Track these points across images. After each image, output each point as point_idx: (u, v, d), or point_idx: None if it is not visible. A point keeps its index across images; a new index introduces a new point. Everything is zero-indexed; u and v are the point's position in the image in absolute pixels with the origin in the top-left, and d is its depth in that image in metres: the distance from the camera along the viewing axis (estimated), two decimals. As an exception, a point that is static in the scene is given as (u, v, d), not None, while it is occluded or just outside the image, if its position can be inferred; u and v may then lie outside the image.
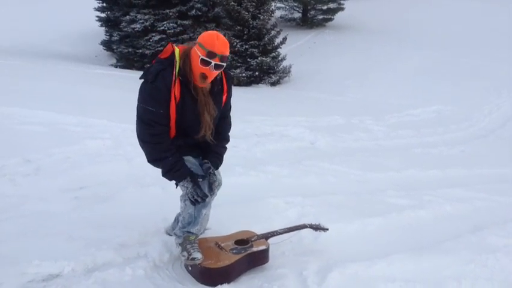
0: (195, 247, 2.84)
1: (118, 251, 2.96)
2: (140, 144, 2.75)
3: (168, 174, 2.72)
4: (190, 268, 2.86)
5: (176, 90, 2.63)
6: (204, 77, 2.61)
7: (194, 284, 2.79)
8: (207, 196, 2.73)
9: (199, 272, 2.80)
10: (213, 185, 2.82)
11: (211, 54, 2.54)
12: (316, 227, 3.23)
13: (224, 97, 2.86)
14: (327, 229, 3.23)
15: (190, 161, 2.80)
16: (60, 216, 3.43)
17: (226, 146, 3.04)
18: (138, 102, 2.67)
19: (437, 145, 7.24)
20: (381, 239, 3.57)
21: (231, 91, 2.94)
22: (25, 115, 5.75)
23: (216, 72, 2.64)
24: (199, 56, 2.55)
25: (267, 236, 3.07)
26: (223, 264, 2.78)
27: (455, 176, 5.61)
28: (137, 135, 2.72)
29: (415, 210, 4.15)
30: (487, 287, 2.99)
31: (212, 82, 2.73)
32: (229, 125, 3.04)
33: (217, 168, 2.94)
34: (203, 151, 2.91)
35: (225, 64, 2.63)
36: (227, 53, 2.61)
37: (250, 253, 2.90)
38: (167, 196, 3.79)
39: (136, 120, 2.69)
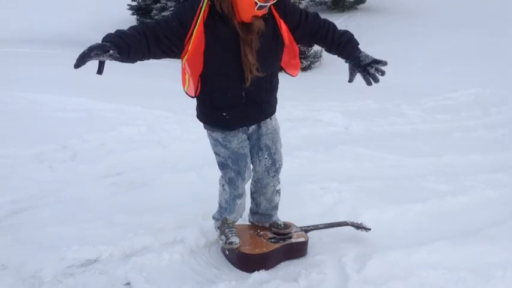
0: (233, 231, 2.80)
1: (155, 236, 2.98)
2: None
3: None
4: (227, 252, 2.85)
5: (199, 30, 2.18)
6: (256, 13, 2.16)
7: (231, 269, 2.77)
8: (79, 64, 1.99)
9: (237, 257, 2.78)
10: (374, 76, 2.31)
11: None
12: (358, 226, 3.13)
13: (281, 27, 2.34)
14: (369, 229, 3.12)
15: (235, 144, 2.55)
16: (97, 202, 3.47)
17: (334, 26, 2.48)
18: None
19: (477, 129, 6.98)
20: (421, 225, 3.46)
21: (290, 5, 2.37)
22: (60, 102, 5.86)
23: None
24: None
25: (306, 229, 3.02)
26: (260, 252, 2.76)
27: (497, 161, 5.39)
28: None
29: (456, 196, 4.01)
30: (534, 276, 2.86)
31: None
32: (317, 16, 2.45)
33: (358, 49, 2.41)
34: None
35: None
36: None
37: (288, 244, 2.87)
38: (202, 182, 3.80)
39: None
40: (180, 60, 2.32)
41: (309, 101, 7.83)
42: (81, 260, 2.72)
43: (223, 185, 2.77)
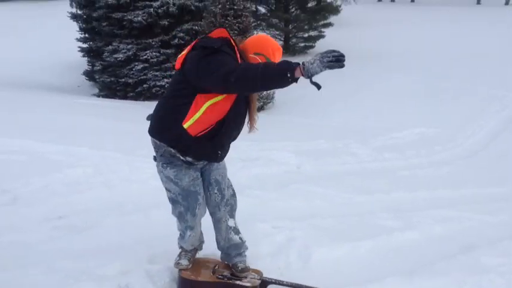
0: (187, 255, 2.93)
1: (98, 282, 2.81)
2: (234, 84, 2.24)
3: (281, 72, 2.16)
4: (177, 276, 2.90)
5: None
6: None
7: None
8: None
9: (178, 281, 2.87)
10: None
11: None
12: None
13: None
14: None
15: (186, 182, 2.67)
16: (38, 247, 3.27)
17: None
18: (209, 61, 2.32)
19: (423, 167, 7.22)
20: (371, 262, 3.47)
21: None
22: (4, 144, 5.60)
23: None
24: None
25: (267, 281, 2.93)
26: (195, 278, 2.81)
27: (443, 197, 5.56)
28: (222, 79, 2.26)
29: (405, 232, 4.07)
30: (483, 309, 2.90)
31: None
32: None
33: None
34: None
35: None
36: None
37: (230, 284, 2.85)
38: (149, 224, 3.68)
39: (213, 74, 2.28)
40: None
41: (261, 141, 7.85)
42: (17, 310, 2.53)
43: (177, 217, 2.85)
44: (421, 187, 5.82)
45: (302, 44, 21.25)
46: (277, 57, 2.58)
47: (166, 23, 14.99)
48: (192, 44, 2.54)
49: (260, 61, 2.47)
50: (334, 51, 2.12)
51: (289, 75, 2.13)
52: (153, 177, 4.92)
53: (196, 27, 15.25)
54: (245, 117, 2.69)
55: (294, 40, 21.52)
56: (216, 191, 2.82)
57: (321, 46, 20.64)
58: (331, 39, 20.64)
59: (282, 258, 3.21)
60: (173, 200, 2.75)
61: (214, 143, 2.59)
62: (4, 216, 3.78)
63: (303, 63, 2.13)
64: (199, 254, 3.15)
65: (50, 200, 4.13)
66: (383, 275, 3.14)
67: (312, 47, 21.03)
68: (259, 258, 3.23)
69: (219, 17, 13.67)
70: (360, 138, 9.08)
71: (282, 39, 21.64)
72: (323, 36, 20.72)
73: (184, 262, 2.87)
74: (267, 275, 3.01)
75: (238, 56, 2.48)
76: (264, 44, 2.58)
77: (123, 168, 5.11)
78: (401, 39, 21.03)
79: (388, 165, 7.17)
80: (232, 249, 2.96)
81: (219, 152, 2.68)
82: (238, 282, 2.86)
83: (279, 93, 14.23)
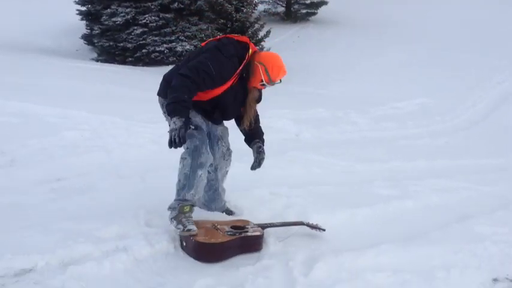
0: (190, 220, 2.89)
1: (96, 243, 2.81)
2: (172, 85, 2.82)
3: (174, 104, 2.71)
4: (185, 244, 2.88)
5: (229, 83, 2.93)
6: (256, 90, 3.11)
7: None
8: (184, 142, 2.69)
9: (193, 247, 2.82)
10: (261, 162, 3.29)
11: (272, 83, 3.00)
12: (313, 226, 3.20)
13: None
14: (324, 230, 3.20)
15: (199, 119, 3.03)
16: (35, 208, 3.27)
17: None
18: (204, 57, 2.89)
19: (422, 137, 7.22)
20: (368, 229, 3.50)
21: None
22: (0, 106, 5.56)
23: None
24: (262, 78, 2.96)
25: (263, 226, 3.08)
26: (216, 241, 2.82)
27: (441, 167, 5.58)
28: (180, 72, 2.84)
29: (402, 200, 4.10)
30: (476, 276, 2.93)
31: None
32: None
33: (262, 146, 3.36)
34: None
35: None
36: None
37: (244, 237, 2.93)
38: (147, 187, 3.69)
39: (191, 64, 2.87)
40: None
41: (260, 109, 7.79)
42: (15, 269, 2.53)
43: (184, 158, 2.94)
44: (420, 157, 5.83)
45: (304, 11, 20.96)
46: (275, 74, 2.96)
47: (166, -14, 14.71)
48: (221, 36, 3.11)
49: (260, 70, 2.95)
50: (179, 133, 2.63)
51: (166, 105, 2.79)
52: (151, 141, 4.94)
53: (197, -10, 14.98)
54: (239, 107, 3.17)
55: (296, 6, 21.20)
56: (223, 144, 3.27)
57: (323, 14, 20.33)
58: (334, 6, 20.31)
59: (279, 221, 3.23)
60: (189, 135, 2.88)
61: (211, 110, 3.09)
62: (1, 178, 3.78)
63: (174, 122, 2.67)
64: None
65: (48, 162, 4.13)
66: (379, 241, 3.16)
67: (314, 13, 20.71)
68: (256, 222, 3.24)
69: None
70: (360, 107, 9.06)
71: (284, 5, 21.30)
72: (326, 3, 20.36)
73: (193, 227, 2.85)
74: (266, 238, 3.07)
75: (247, 58, 2.97)
76: (269, 58, 3.00)
77: (121, 132, 5.10)
78: (406, 10, 20.72)
79: (388, 135, 7.18)
80: (223, 194, 3.42)
81: (213, 115, 3.12)
82: (249, 233, 2.96)
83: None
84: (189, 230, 2.82)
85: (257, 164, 3.29)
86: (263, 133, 3.42)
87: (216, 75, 2.86)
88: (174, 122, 2.65)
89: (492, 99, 10.53)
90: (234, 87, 3.00)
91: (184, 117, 2.69)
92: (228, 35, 3.08)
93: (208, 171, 3.08)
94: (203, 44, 3.13)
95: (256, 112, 3.32)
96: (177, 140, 2.62)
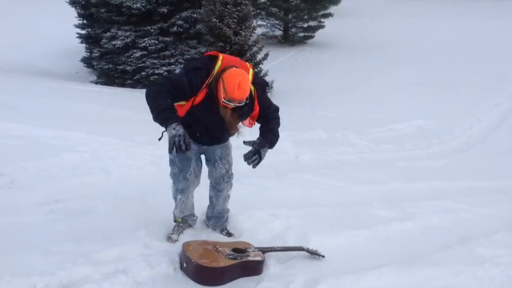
0: (179, 230, 3.32)
1: (95, 266, 2.80)
2: (146, 93, 2.81)
3: (161, 113, 2.70)
4: (185, 265, 2.87)
5: (200, 95, 2.88)
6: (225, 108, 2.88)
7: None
8: (190, 147, 2.68)
9: (194, 269, 2.81)
10: (251, 165, 3.01)
11: (230, 101, 2.78)
12: (313, 252, 3.20)
13: (255, 108, 3.02)
14: (323, 256, 3.20)
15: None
16: (35, 230, 3.26)
17: (278, 120, 3.17)
18: (174, 73, 3.05)
19: (420, 158, 7.24)
20: (368, 251, 3.48)
21: (264, 96, 3.07)
22: (0, 128, 5.57)
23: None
24: (222, 95, 2.79)
25: (263, 250, 3.07)
26: (217, 265, 2.81)
27: (440, 189, 5.59)
28: (152, 82, 3.05)
29: (402, 222, 4.09)
30: (477, 299, 2.92)
31: None
32: (275, 110, 3.16)
33: (272, 145, 3.10)
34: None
35: (243, 103, 2.84)
36: (245, 98, 2.81)
37: (245, 261, 2.91)
38: (147, 209, 3.67)
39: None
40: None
41: (259, 130, 7.86)
42: (14, 291, 2.52)
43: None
44: (419, 178, 5.84)
45: (301, 34, 21.19)
46: (230, 91, 2.75)
47: (165, 10, 14.87)
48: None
49: (220, 86, 2.79)
50: (184, 139, 2.63)
51: (153, 115, 2.72)
52: (150, 163, 4.94)
53: (196, 15, 15.13)
54: (220, 122, 3.00)
55: (293, 30, 21.44)
56: (221, 166, 3.25)
57: (320, 37, 20.57)
58: (331, 29, 20.56)
59: (279, 245, 3.21)
60: (171, 161, 3.16)
61: (192, 127, 2.99)
62: (1, 199, 3.77)
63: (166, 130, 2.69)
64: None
65: (47, 184, 4.12)
66: (379, 263, 3.15)
67: (311, 37, 20.95)
68: (257, 245, 3.22)
69: (218, 5, 13.59)
70: (358, 129, 9.10)
71: (281, 28, 21.55)
72: (322, 27, 20.61)
73: (175, 236, 3.23)
74: (266, 260, 3.06)
75: (208, 82, 2.86)
76: (230, 75, 2.79)
77: (120, 153, 5.09)
78: (401, 32, 21.01)
79: (386, 157, 7.19)
80: (224, 212, 3.48)
81: (198, 135, 3.09)
82: (250, 258, 2.94)
83: (277, 84, 14.23)
84: (169, 238, 3.23)
85: (246, 158, 3.00)
86: (275, 135, 3.13)
87: (187, 84, 2.84)
88: (173, 129, 2.65)
89: (490, 121, 10.60)
90: (206, 101, 2.90)
91: (178, 120, 2.70)
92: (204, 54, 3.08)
93: (209, 187, 3.40)
94: None
95: (270, 107, 3.11)
96: (182, 147, 2.62)
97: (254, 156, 2.98)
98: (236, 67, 2.86)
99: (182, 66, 3.06)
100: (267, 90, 3.23)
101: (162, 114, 2.69)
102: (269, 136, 3.08)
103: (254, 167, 3.01)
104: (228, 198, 3.46)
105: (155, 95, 2.76)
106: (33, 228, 3.29)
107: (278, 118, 3.18)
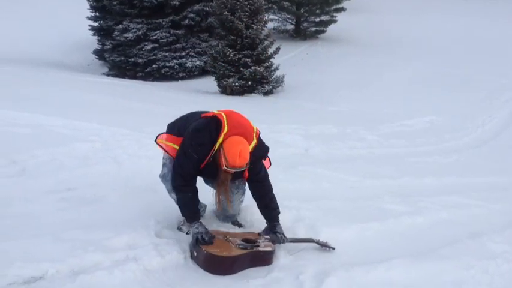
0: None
1: (106, 253, 2.82)
2: (175, 197, 3.16)
3: (187, 218, 3.11)
4: (195, 254, 2.89)
5: (204, 163, 3.01)
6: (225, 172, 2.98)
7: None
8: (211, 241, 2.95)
9: (204, 258, 2.83)
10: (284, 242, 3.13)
11: (231, 168, 2.86)
12: (323, 244, 3.19)
13: (245, 173, 3.11)
14: (333, 248, 3.19)
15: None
16: (45, 218, 3.28)
17: (270, 187, 3.25)
18: (180, 156, 3.05)
19: (431, 154, 7.19)
20: (378, 244, 3.47)
21: (257, 165, 3.13)
22: (12, 117, 5.62)
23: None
24: (223, 162, 2.86)
25: (273, 240, 3.08)
26: (227, 254, 2.82)
27: (451, 184, 5.54)
28: (173, 185, 3.13)
29: (412, 216, 4.06)
30: (488, 293, 2.90)
31: None
32: (269, 189, 3.24)
33: (278, 219, 3.23)
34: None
35: (244, 168, 2.94)
36: (245, 165, 2.90)
37: (256, 251, 2.92)
38: (158, 199, 3.68)
39: (175, 171, 3.07)
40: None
41: (270, 123, 7.84)
42: (24, 277, 2.53)
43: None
44: (429, 174, 5.80)
45: (313, 29, 21.08)
46: (231, 160, 2.83)
47: (177, 3, 14.91)
48: (205, 115, 3.10)
49: (221, 153, 2.88)
50: (206, 237, 2.94)
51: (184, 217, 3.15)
52: (161, 153, 4.95)
53: (207, 8, 15.17)
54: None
55: (305, 24, 21.34)
56: (240, 196, 3.42)
57: (332, 32, 20.47)
58: (343, 24, 20.44)
59: (289, 236, 3.21)
60: (164, 164, 3.32)
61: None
62: (12, 187, 3.80)
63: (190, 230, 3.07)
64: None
65: (58, 172, 4.15)
66: (390, 256, 3.13)
67: (323, 31, 20.85)
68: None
69: (230, -2, 13.57)
70: (369, 124, 9.06)
71: (293, 23, 21.47)
72: (335, 21, 20.49)
73: (185, 228, 3.21)
74: (276, 251, 3.06)
75: (212, 153, 2.97)
76: (230, 143, 2.87)
77: (131, 144, 5.12)
78: (413, 28, 20.84)
79: (397, 152, 7.15)
80: (236, 213, 3.54)
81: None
82: (260, 248, 2.95)
83: (288, 78, 14.19)
84: (179, 229, 3.29)
85: (277, 242, 3.13)
86: (275, 209, 3.25)
87: (197, 162, 2.99)
88: (196, 228, 2.98)
89: (502, 118, 10.49)
90: (209, 166, 3.04)
91: (199, 220, 3.06)
92: (208, 114, 3.06)
93: None
94: (203, 115, 3.09)
95: (262, 185, 3.23)
96: (206, 239, 2.91)
97: (277, 238, 3.10)
98: (240, 133, 2.93)
99: (188, 138, 3.00)
100: (263, 159, 3.26)
101: (188, 219, 3.08)
102: (272, 214, 3.22)
103: (284, 242, 3.12)
104: (241, 203, 3.49)
105: (183, 205, 3.09)
106: (44, 215, 3.32)
107: (269, 185, 3.25)
